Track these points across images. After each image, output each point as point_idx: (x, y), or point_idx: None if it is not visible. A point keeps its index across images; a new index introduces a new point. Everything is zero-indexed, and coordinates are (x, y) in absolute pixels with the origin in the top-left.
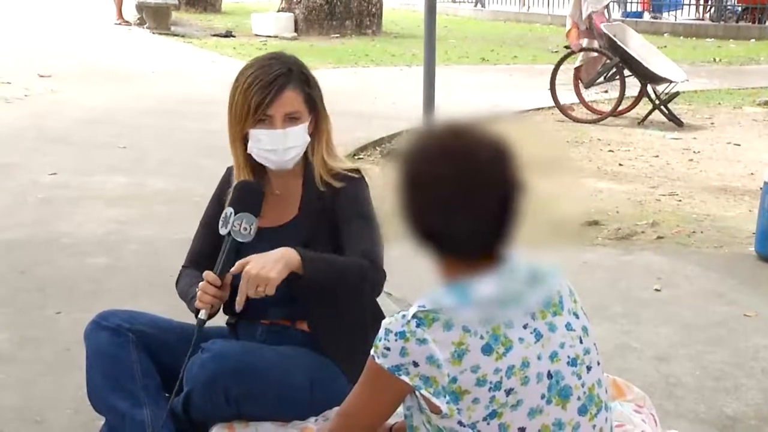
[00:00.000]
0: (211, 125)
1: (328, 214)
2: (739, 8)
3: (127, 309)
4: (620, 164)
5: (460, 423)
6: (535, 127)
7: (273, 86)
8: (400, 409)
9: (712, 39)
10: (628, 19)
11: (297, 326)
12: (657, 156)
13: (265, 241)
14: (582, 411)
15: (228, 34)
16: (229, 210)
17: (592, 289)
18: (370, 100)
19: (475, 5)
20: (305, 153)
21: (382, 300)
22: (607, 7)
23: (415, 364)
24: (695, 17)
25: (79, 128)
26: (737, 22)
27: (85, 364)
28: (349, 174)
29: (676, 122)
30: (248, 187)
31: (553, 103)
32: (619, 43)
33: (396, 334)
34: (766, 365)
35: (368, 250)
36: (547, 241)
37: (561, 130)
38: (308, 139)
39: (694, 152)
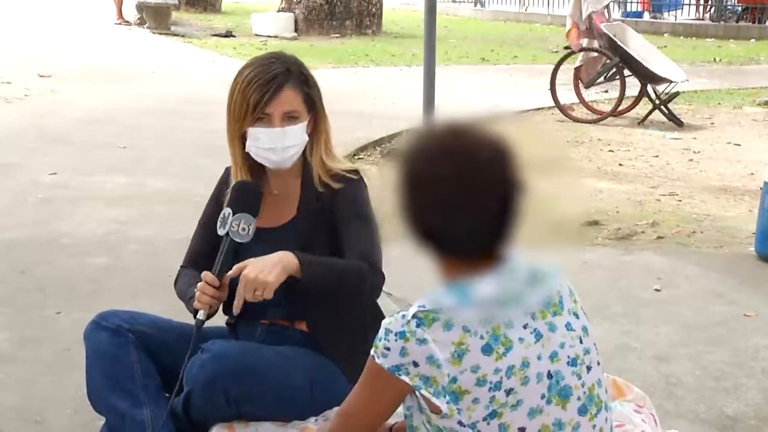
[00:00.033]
0: (211, 125)
1: (326, 215)
2: (739, 8)
3: (127, 309)
4: (620, 164)
5: (460, 423)
6: (535, 127)
7: (272, 84)
8: (400, 409)
9: (712, 39)
10: (628, 19)
11: (296, 326)
12: (657, 156)
13: (263, 241)
14: (582, 411)
15: (228, 34)
16: (227, 210)
17: (592, 289)
18: (370, 100)
19: (475, 5)
20: (304, 153)
21: (382, 300)
22: (607, 7)
23: (415, 364)
24: (695, 17)
25: (79, 128)
26: (737, 22)
27: (85, 365)
28: (348, 175)
29: (676, 122)
30: (246, 187)
31: (553, 103)
32: (619, 43)
33: (396, 334)
34: (766, 365)
35: (367, 252)
36: (547, 241)
37: (561, 130)
38: (307, 138)
39: (694, 152)
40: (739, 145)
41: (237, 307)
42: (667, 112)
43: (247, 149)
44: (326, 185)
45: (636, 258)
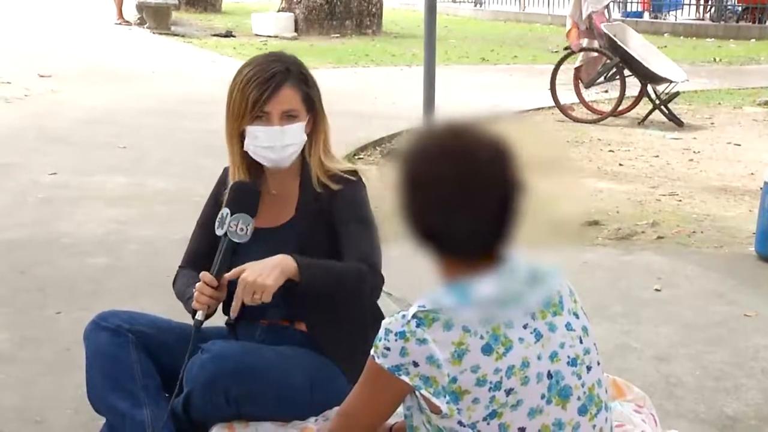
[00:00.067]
0: (211, 125)
1: (325, 216)
2: (739, 8)
3: (127, 309)
4: (620, 164)
5: (460, 423)
6: (535, 127)
7: (271, 83)
8: (400, 409)
9: (712, 39)
10: (628, 19)
11: (296, 326)
12: (657, 156)
13: (261, 241)
14: (582, 411)
15: (228, 34)
16: (225, 211)
17: (592, 289)
18: (370, 100)
19: (475, 5)
20: (302, 153)
21: (382, 300)
22: (607, 7)
23: (415, 364)
24: (695, 17)
25: (79, 128)
26: (737, 22)
27: (85, 365)
28: (346, 176)
29: (676, 122)
30: (244, 187)
31: (553, 103)
32: (619, 43)
33: (396, 334)
34: (766, 365)
35: (366, 254)
36: (547, 241)
37: (561, 130)
38: (305, 138)
39: (694, 152)
40: (739, 145)
41: (234, 310)
42: (667, 112)
43: (245, 148)
44: (325, 186)
45: (636, 258)
